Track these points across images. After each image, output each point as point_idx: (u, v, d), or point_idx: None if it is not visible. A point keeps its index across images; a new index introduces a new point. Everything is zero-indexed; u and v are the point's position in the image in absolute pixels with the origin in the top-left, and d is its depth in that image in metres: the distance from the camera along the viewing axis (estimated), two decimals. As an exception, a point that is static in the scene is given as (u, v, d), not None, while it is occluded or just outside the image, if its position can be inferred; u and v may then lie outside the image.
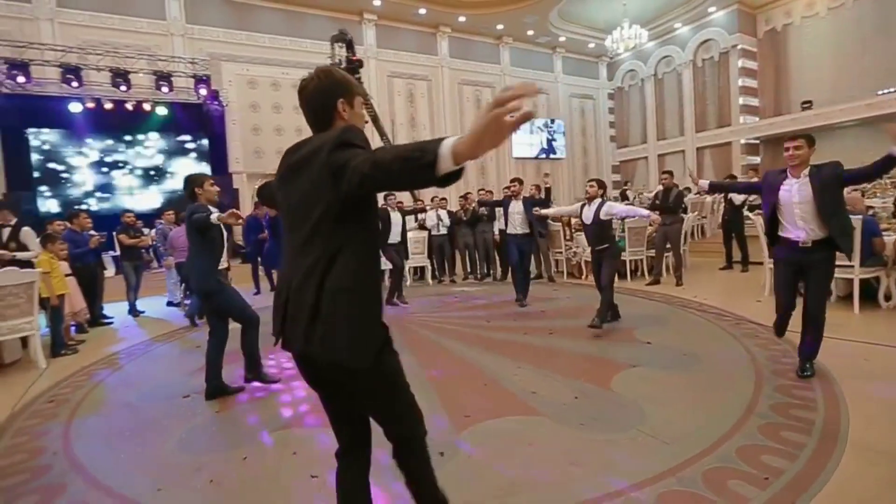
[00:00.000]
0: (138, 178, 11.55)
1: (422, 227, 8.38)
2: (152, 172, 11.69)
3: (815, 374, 2.91)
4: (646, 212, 4.54)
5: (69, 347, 4.72)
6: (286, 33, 12.97)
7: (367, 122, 1.39)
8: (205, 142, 12.21)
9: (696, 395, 2.83)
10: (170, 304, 7.16)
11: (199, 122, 11.66)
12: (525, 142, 17.54)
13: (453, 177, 1.01)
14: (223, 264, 3.36)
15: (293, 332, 1.27)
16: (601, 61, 19.57)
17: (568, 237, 7.70)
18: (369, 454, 1.45)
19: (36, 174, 10.42)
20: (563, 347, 3.94)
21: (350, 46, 11.23)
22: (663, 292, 5.92)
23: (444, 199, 9.09)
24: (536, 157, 17.92)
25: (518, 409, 2.74)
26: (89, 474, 2.32)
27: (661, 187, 6.33)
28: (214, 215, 3.03)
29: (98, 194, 11.04)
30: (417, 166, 1.00)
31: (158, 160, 11.78)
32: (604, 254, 4.45)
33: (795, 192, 2.88)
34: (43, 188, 10.44)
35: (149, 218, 9.77)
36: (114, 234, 6.83)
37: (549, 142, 18.23)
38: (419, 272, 8.57)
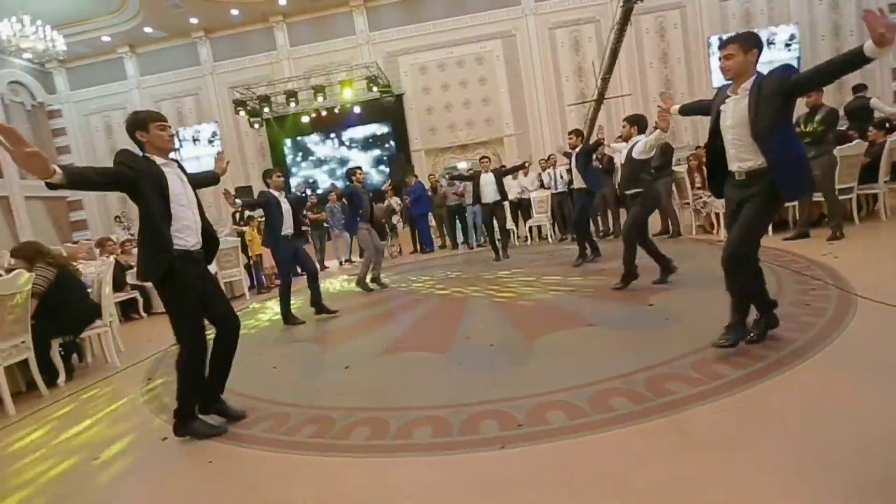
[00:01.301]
0: (345, 164, 14.94)
1: (543, 185, 8.45)
2: (354, 159, 14.93)
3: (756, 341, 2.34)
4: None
5: (266, 289, 7.23)
6: (448, 15, 14.07)
7: (170, 137, 2.06)
8: (389, 129, 14.65)
9: (611, 354, 2.63)
10: (341, 262, 9.53)
11: (384, 113, 14.11)
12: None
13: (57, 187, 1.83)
14: (288, 231, 4.70)
15: None
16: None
17: (698, 185, 6.45)
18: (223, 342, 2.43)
19: (291, 167, 14.86)
20: (558, 304, 3.87)
21: None
22: (791, 250, 4.58)
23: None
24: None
25: (434, 348, 3.17)
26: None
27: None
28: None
29: (319, 179, 14.90)
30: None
31: (357, 149, 14.89)
32: (634, 200, 3.98)
33: (729, 114, 2.25)
34: (293, 179, 14.80)
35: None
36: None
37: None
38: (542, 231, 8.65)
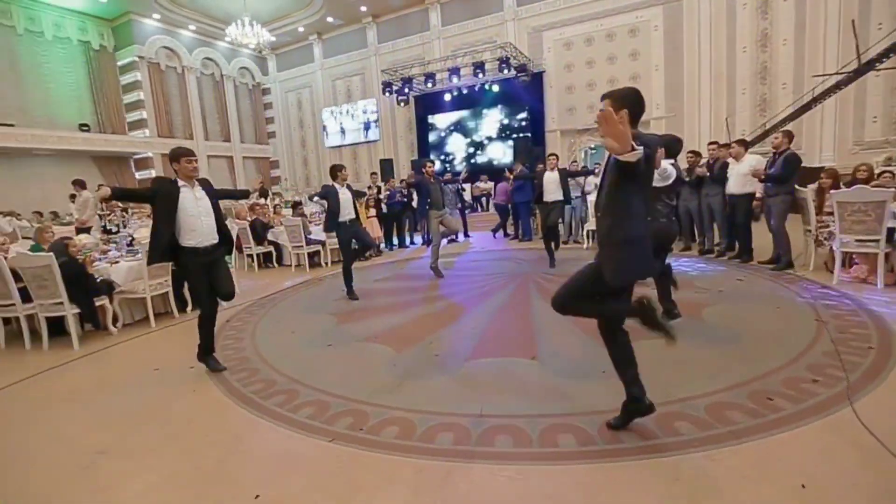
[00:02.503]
0: (483, 142, 15.38)
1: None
2: (490, 137, 15.25)
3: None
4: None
5: (364, 258, 8.51)
6: (602, -17, 12.89)
7: (193, 168, 2.68)
8: (526, 108, 14.46)
9: (506, 393, 2.76)
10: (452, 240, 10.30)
11: (522, 92, 13.97)
12: None
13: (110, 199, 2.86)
14: (347, 217, 5.54)
15: None
16: None
17: (827, 209, 5.07)
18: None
19: (433, 143, 16.07)
20: (538, 327, 3.86)
21: None
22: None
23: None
24: None
25: (396, 346, 3.66)
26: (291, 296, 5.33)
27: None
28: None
29: (458, 155, 15.71)
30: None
31: (495, 127, 15.14)
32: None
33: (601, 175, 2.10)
34: (433, 153, 16.01)
35: (493, 172, 13.21)
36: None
37: None
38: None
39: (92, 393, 3.25)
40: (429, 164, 6.41)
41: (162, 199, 3.18)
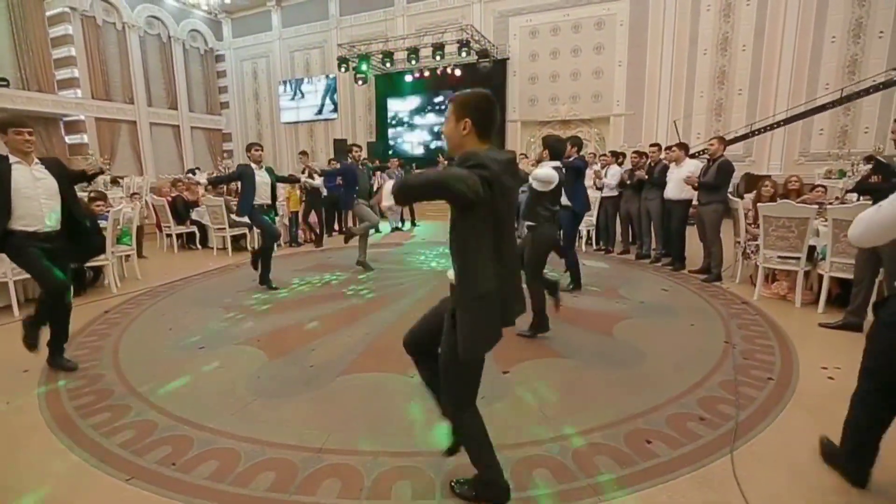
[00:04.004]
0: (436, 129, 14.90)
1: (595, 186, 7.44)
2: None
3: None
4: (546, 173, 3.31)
5: (295, 243, 7.98)
6: (571, -29, 12.49)
7: (25, 142, 2.17)
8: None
9: (342, 420, 2.43)
10: (395, 229, 9.87)
11: (484, 78, 13.46)
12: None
13: None
14: (263, 201, 5.03)
15: None
16: None
17: (755, 221, 4.94)
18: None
19: (390, 126, 15.46)
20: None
21: None
22: (799, 344, 3.38)
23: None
24: None
25: (273, 352, 3.27)
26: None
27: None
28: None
29: (415, 141, 15.16)
30: None
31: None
32: (530, 235, 3.50)
33: None
34: (389, 137, 15.40)
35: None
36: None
37: None
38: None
39: None
40: (355, 148, 5.93)
41: None
